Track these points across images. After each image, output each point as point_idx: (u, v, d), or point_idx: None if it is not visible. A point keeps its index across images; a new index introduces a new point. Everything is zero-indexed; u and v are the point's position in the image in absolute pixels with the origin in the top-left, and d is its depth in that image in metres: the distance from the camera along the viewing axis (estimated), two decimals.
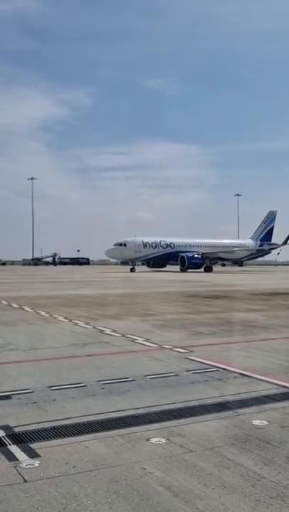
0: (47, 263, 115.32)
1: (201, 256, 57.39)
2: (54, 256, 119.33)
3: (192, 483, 3.00)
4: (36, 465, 3.26)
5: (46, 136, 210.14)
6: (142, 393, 5.03)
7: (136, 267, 56.74)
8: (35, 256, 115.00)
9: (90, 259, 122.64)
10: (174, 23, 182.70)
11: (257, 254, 68.71)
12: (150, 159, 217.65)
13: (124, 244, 55.49)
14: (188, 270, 55.44)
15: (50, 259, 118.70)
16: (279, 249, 68.13)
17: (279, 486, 2.96)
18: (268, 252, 70.48)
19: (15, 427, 4.01)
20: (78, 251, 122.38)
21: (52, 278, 37.88)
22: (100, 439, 3.73)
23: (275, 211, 70.56)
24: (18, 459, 3.36)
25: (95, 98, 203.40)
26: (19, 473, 3.14)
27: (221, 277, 40.13)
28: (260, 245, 67.68)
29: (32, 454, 3.44)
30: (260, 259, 76.30)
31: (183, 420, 4.15)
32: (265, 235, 69.40)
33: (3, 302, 15.65)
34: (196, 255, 57.08)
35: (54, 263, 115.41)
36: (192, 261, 56.25)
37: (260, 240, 68.79)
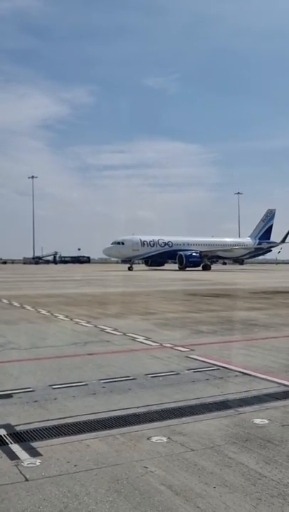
0: (48, 262, 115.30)
1: (199, 254, 57.22)
2: (55, 254, 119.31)
3: (193, 481, 3.01)
4: (38, 464, 3.27)
5: (47, 134, 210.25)
6: (143, 392, 5.04)
7: (134, 266, 56.58)
8: (36, 255, 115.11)
9: (91, 257, 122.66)
10: (173, 21, 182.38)
11: (255, 252, 68.52)
12: (151, 158, 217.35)
13: (122, 243, 55.27)
14: (187, 268, 55.35)
15: (50, 258, 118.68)
16: (280, 247, 68.07)
17: (280, 484, 2.96)
18: (268, 250, 70.34)
19: (16, 425, 4.02)
20: (79, 249, 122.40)
21: (52, 277, 37.90)
22: (101, 437, 3.74)
23: (274, 209, 70.41)
24: (19, 458, 3.37)
25: (95, 96, 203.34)
26: (20, 472, 3.14)
27: (221, 276, 40.12)
28: (259, 243, 67.51)
29: (33, 453, 3.45)
30: (261, 257, 76.21)
31: (184, 419, 4.16)
32: (264, 234, 69.22)
33: (4, 301, 15.66)
34: (194, 253, 56.90)
35: (55, 262, 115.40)
36: (190, 259, 56.09)
37: (259, 239, 68.58)
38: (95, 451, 3.47)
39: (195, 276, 39.13)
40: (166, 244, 57.87)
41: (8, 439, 3.71)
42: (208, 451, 3.47)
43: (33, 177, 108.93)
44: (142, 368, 6.17)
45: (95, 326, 9.87)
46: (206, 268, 57.49)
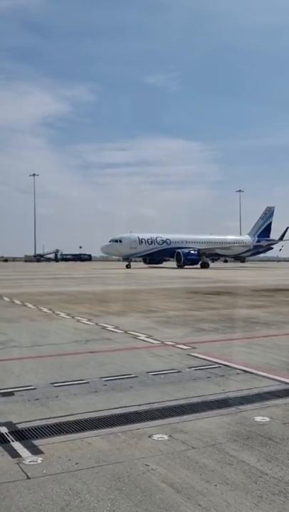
0: (49, 259, 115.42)
1: (197, 252, 57.00)
2: (56, 252, 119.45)
3: (194, 479, 3.01)
4: (39, 461, 3.27)
5: (48, 132, 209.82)
6: (145, 390, 5.04)
7: (132, 264, 56.42)
8: (37, 252, 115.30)
9: (92, 255, 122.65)
10: (174, 19, 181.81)
11: (254, 250, 68.40)
12: (152, 155, 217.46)
13: (120, 241, 55.04)
14: (185, 266, 55.23)
15: (52, 256, 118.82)
16: (281, 245, 68.03)
17: (281, 482, 2.97)
18: (269, 248, 70.27)
19: (18, 423, 4.03)
20: (80, 247, 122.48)
21: (54, 274, 37.93)
22: (103, 435, 3.75)
23: (273, 207, 70.31)
24: (21, 456, 3.37)
25: (96, 94, 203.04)
26: (22, 470, 3.15)
27: (222, 273, 40.12)
28: (258, 241, 67.41)
29: (35, 451, 3.45)
30: (262, 255, 76.17)
31: (185, 417, 4.16)
32: (263, 231, 69.09)
33: (6, 299, 15.68)
34: (192, 251, 56.67)
35: (56, 259, 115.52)
36: (188, 257, 55.87)
37: (258, 236, 68.44)
38: (97, 449, 3.48)
39: (195, 274, 39.13)
40: (164, 242, 57.73)
41: (9, 437, 3.72)
42: (210, 449, 3.47)
43: (34, 175, 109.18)
44: (143, 365, 6.18)
45: (97, 324, 9.87)
46: (205, 266, 57.34)
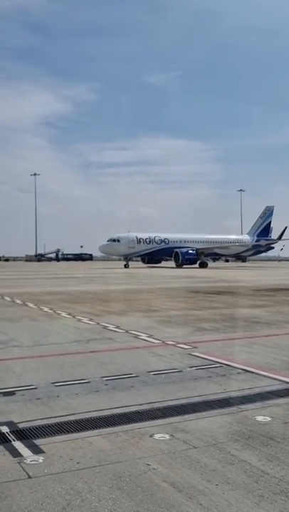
0: (50, 259, 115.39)
1: (196, 251, 56.77)
2: (57, 252, 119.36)
3: (196, 479, 3.01)
4: (40, 461, 3.28)
5: (49, 131, 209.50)
6: (146, 389, 5.04)
7: (130, 263, 56.23)
8: (39, 252, 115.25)
9: (94, 254, 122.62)
10: (175, 18, 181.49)
11: (254, 249, 68.21)
12: (153, 155, 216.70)
13: (118, 240, 54.79)
14: (184, 266, 55.10)
15: (53, 255, 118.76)
16: (282, 244, 67.96)
17: (282, 481, 2.97)
18: (270, 247, 70.15)
19: (19, 423, 4.03)
20: (81, 247, 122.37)
21: (55, 274, 37.94)
22: (104, 435, 3.75)
23: (272, 206, 70.13)
24: (22, 455, 3.38)
25: (97, 94, 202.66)
26: (23, 469, 3.15)
27: (223, 273, 40.10)
28: (257, 241, 67.26)
29: (36, 450, 3.46)
30: (263, 254, 76.05)
31: (186, 416, 4.16)
32: (262, 231, 68.89)
33: (7, 298, 15.69)
34: (190, 251, 56.39)
35: (57, 259, 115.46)
36: (186, 256, 55.60)
37: (257, 236, 68.24)
38: (98, 449, 3.48)
39: (196, 273, 39.13)
40: (162, 241, 57.49)
41: (11, 437, 3.72)
42: (211, 449, 3.47)
43: (35, 174, 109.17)
44: (144, 365, 6.18)
45: (98, 324, 9.88)
46: (203, 265, 57.14)
